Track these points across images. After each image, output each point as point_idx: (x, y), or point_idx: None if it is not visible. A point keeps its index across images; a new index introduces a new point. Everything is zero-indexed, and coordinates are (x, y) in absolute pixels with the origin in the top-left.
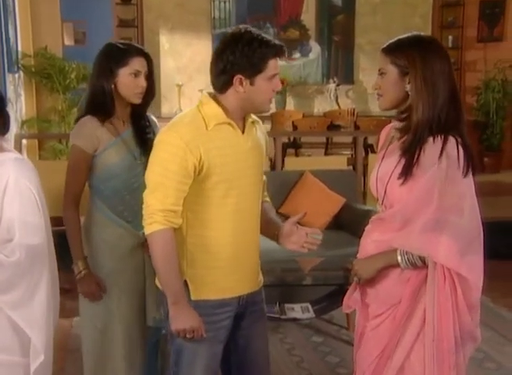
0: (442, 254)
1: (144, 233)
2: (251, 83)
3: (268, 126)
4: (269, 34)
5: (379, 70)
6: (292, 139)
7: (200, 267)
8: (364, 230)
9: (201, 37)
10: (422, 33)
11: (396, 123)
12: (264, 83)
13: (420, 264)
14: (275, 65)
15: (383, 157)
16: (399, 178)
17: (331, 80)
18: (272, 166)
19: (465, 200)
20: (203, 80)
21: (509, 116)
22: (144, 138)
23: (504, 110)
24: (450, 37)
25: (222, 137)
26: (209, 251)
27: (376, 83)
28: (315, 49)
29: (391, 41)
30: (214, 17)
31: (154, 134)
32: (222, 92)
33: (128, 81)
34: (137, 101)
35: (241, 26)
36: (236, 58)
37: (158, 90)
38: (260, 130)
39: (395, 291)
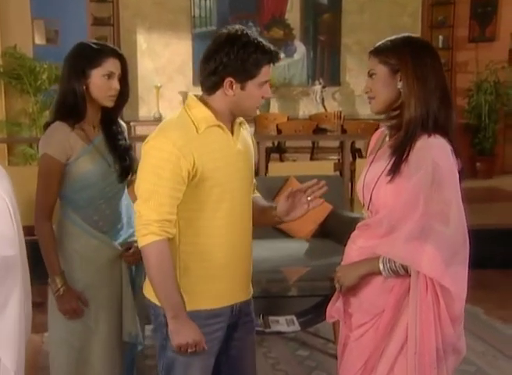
0: (426, 263)
1: (121, 243)
2: (242, 88)
3: (251, 129)
4: None
5: (369, 72)
6: (276, 143)
7: (193, 276)
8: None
9: (181, 37)
10: (412, 35)
11: (386, 123)
12: (254, 88)
13: (402, 273)
14: (268, 71)
15: (372, 161)
16: (387, 175)
17: (317, 82)
18: (256, 172)
19: (451, 207)
20: (182, 82)
21: (501, 119)
22: (116, 145)
23: (497, 113)
24: (441, 37)
25: (213, 140)
26: (203, 259)
27: (366, 86)
28: (300, 49)
29: (379, 43)
30: (194, 16)
31: (126, 140)
32: (210, 93)
33: (100, 83)
34: (110, 104)
35: (237, 26)
36: (230, 61)
37: (136, 92)
38: (247, 131)
39: (378, 300)
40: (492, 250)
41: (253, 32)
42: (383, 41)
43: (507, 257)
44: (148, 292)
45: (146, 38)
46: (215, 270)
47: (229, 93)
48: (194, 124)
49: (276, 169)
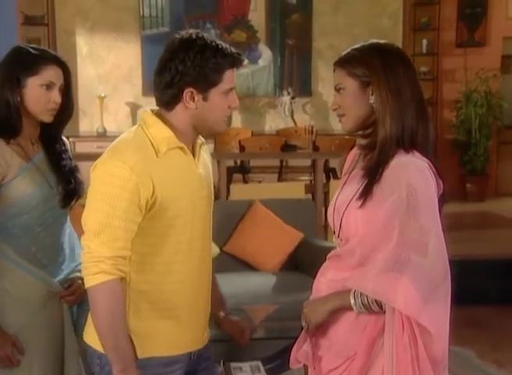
0: (401, 299)
1: (62, 280)
2: (204, 99)
3: (210, 146)
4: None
5: (335, 87)
6: (239, 162)
7: (146, 319)
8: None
9: (128, 39)
10: (380, 41)
11: (360, 142)
12: (219, 98)
13: (376, 309)
14: (232, 77)
15: (344, 183)
16: (358, 199)
17: (285, 92)
18: (215, 195)
19: (429, 236)
20: (130, 91)
21: (494, 134)
22: (59, 164)
23: (488, 127)
24: (424, 41)
25: (175, 164)
26: (158, 299)
27: (334, 103)
28: (266, 55)
29: (344, 53)
30: (143, 15)
31: (71, 160)
32: (169, 109)
33: (38, 94)
34: (48, 119)
35: (191, 30)
36: (187, 69)
37: (76, 103)
38: (207, 154)
39: (350, 341)
40: (485, 284)
41: (211, 35)
42: (348, 51)
43: (502, 292)
44: (91, 338)
45: (87, 41)
46: (172, 312)
47: (190, 106)
48: (153, 146)
49: (239, 191)
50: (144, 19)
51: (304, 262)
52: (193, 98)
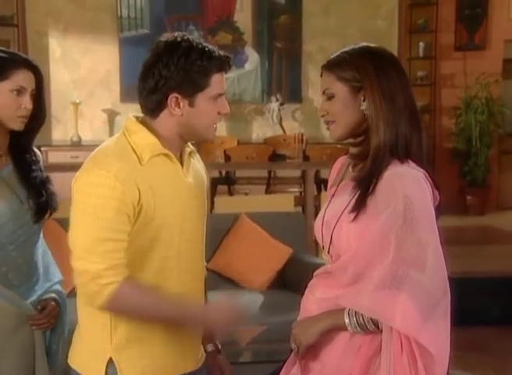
0: (399, 317)
1: (35, 301)
2: (190, 104)
3: None
4: None
5: (324, 92)
6: (224, 173)
7: (132, 341)
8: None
9: (105, 42)
10: (370, 44)
11: (352, 151)
12: (206, 104)
13: (372, 328)
14: (220, 81)
15: (333, 195)
16: (350, 212)
17: (273, 98)
18: None
19: (428, 251)
20: (107, 97)
21: (495, 142)
22: (29, 177)
23: (490, 136)
24: (421, 44)
25: (161, 172)
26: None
27: (322, 109)
28: (253, 58)
29: (333, 56)
30: (121, 16)
31: (42, 171)
32: (154, 116)
33: (7, 100)
34: (19, 127)
35: (177, 33)
36: (171, 73)
37: (48, 110)
38: (198, 162)
39: (343, 363)
40: (486, 303)
41: (196, 37)
42: (338, 54)
43: (504, 311)
44: (75, 362)
45: (60, 43)
46: (161, 333)
47: (175, 112)
48: (136, 153)
49: (224, 204)
50: (121, 21)
51: (293, 280)
52: (179, 104)
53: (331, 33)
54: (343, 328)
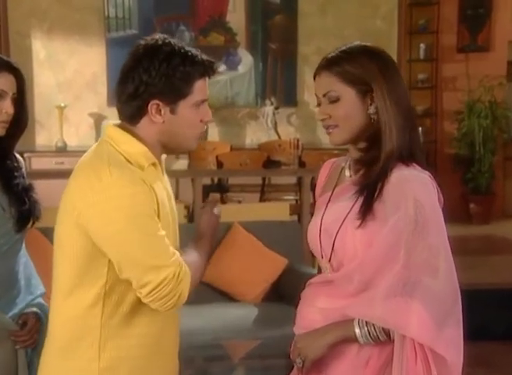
0: (415, 326)
1: (15, 315)
2: (172, 112)
3: (183, 162)
4: (184, 40)
5: (325, 95)
6: (216, 180)
7: (124, 359)
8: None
9: (91, 43)
10: (367, 43)
11: (344, 157)
12: (189, 111)
13: (384, 339)
14: (203, 88)
15: (329, 201)
16: (357, 218)
17: (267, 102)
18: (190, 217)
19: (439, 256)
20: (94, 101)
21: (500, 148)
22: (11, 184)
23: (494, 141)
24: (422, 46)
25: (156, 181)
26: (129, 334)
27: (323, 112)
28: (246, 60)
29: (332, 55)
30: (108, 16)
31: (24, 178)
32: (134, 123)
33: None
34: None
35: (158, 35)
36: (152, 78)
37: (32, 114)
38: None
39: None
40: (492, 316)
41: (184, 38)
42: (336, 53)
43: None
44: None
45: (45, 44)
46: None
47: (156, 120)
48: (131, 163)
49: None
50: (109, 21)
51: (288, 292)
52: (160, 111)
53: (328, 34)
54: (353, 340)
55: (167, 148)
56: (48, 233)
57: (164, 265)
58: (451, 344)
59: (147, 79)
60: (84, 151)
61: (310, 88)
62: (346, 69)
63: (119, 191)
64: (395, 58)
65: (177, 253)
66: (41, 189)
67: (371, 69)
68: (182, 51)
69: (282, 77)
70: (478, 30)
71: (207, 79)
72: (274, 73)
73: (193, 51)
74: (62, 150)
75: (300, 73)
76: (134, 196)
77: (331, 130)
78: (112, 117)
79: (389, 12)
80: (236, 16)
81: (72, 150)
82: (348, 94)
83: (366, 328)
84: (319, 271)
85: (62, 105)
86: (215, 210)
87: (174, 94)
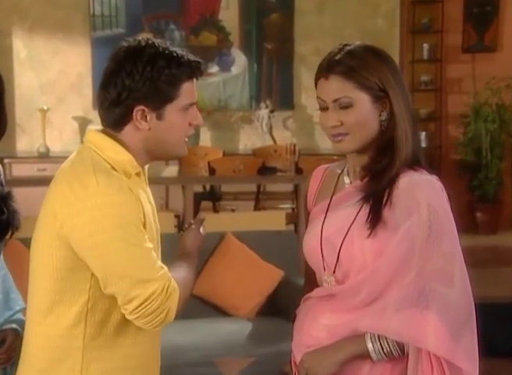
0: (432, 338)
1: None
2: (159, 117)
3: (173, 168)
4: (174, 40)
5: (336, 101)
6: (208, 187)
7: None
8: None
9: (76, 42)
10: (367, 43)
11: (338, 163)
12: (176, 115)
13: (397, 354)
14: (191, 90)
15: (327, 210)
16: (367, 228)
17: (262, 105)
18: (180, 226)
19: (455, 264)
20: (79, 103)
21: (508, 154)
22: None
23: (501, 146)
24: (425, 46)
25: (141, 190)
26: (117, 356)
27: (335, 119)
28: (240, 61)
29: (340, 57)
30: (94, 14)
31: (3, 185)
32: (117, 130)
33: None
34: None
35: (142, 36)
36: (136, 83)
37: (12, 117)
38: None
39: None
40: (501, 332)
41: (174, 37)
42: (345, 55)
43: None
44: None
45: (26, 43)
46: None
47: (142, 126)
48: (116, 170)
49: (208, 222)
50: (94, 19)
51: (285, 306)
52: (146, 117)
53: (326, 34)
54: (366, 356)
55: (154, 155)
56: (29, 244)
57: (152, 278)
58: (467, 355)
59: (131, 83)
60: (68, 157)
61: (307, 90)
62: (362, 74)
63: (105, 200)
64: (397, 58)
65: (165, 267)
66: (22, 197)
67: (384, 73)
68: (166, 52)
69: (278, 79)
70: (484, 29)
71: (194, 80)
72: (269, 74)
73: (179, 51)
74: (45, 156)
75: (297, 74)
76: (122, 205)
77: (340, 138)
78: (98, 121)
79: (391, 10)
80: (230, 14)
81: (56, 156)
82: (363, 101)
83: (379, 343)
84: (311, 285)
85: (45, 107)
86: (201, 229)
87: (160, 98)
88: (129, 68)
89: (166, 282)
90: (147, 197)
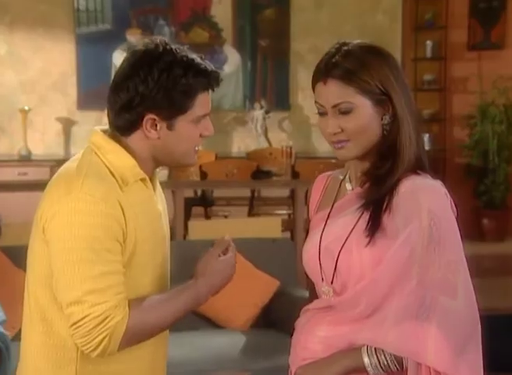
0: (432, 353)
1: None
2: (169, 127)
3: (163, 172)
4: (164, 36)
5: (335, 106)
6: (199, 192)
7: None
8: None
9: (59, 39)
10: (366, 41)
11: (340, 170)
12: (188, 127)
13: (395, 369)
14: (206, 101)
15: (328, 218)
16: (366, 236)
17: (257, 105)
18: (170, 235)
19: (458, 273)
20: (62, 103)
21: None
22: None
23: (509, 149)
24: (429, 43)
25: (139, 200)
26: (110, 371)
27: (336, 125)
28: (233, 59)
29: (337, 59)
30: (78, 9)
31: None
32: (125, 134)
33: None
34: None
35: (159, 39)
36: (150, 91)
37: None
38: (159, 183)
39: None
40: (508, 346)
41: (163, 33)
42: (342, 57)
43: None
44: None
45: (6, 39)
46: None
47: (151, 135)
48: (114, 176)
49: (200, 229)
50: (79, 14)
51: (280, 318)
52: (155, 126)
53: (324, 31)
54: (361, 370)
55: (161, 162)
56: (11, 252)
57: (96, 302)
58: (471, 371)
59: (144, 90)
60: (51, 161)
61: (304, 90)
62: (363, 78)
63: (84, 207)
64: (398, 57)
65: (123, 293)
66: (2, 203)
67: (385, 74)
68: (185, 59)
69: (273, 78)
70: (491, 25)
71: (210, 92)
72: (264, 73)
73: (197, 60)
74: (26, 159)
75: (293, 73)
76: (100, 216)
77: (341, 145)
78: (83, 122)
79: (392, 5)
80: (222, 10)
81: (38, 159)
82: (365, 106)
83: (376, 357)
84: (312, 296)
85: (26, 108)
86: (226, 255)
87: (173, 108)
88: (144, 74)
89: (110, 310)
90: (151, 205)
